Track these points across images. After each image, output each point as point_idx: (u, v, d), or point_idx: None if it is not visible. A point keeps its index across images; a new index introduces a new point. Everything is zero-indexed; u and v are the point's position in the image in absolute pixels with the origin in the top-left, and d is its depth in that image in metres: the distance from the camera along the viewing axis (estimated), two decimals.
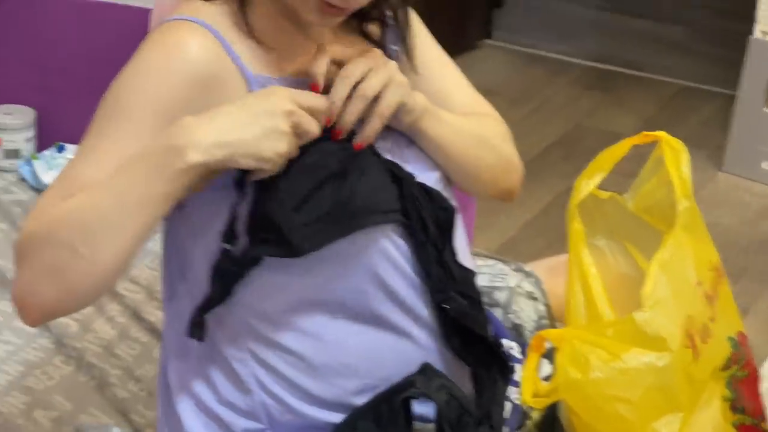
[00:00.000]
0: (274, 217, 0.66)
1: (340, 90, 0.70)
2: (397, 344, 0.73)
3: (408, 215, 0.72)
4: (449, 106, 0.84)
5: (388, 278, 0.71)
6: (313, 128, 0.67)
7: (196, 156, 0.63)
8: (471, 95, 0.90)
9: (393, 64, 0.75)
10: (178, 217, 0.74)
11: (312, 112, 0.68)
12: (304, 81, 0.75)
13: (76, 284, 0.66)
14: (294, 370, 0.72)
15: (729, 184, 2.18)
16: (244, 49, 0.76)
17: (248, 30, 0.75)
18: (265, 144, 0.64)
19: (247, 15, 0.76)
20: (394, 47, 0.83)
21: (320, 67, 0.71)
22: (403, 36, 0.84)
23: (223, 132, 0.64)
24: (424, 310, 0.74)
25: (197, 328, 0.69)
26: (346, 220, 0.68)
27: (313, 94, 0.71)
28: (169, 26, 0.74)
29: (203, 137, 0.64)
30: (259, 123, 0.65)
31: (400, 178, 0.72)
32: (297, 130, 0.66)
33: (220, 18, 0.75)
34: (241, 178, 0.68)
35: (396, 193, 0.72)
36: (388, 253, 0.72)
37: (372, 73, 0.72)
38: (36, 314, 0.69)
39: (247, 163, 0.65)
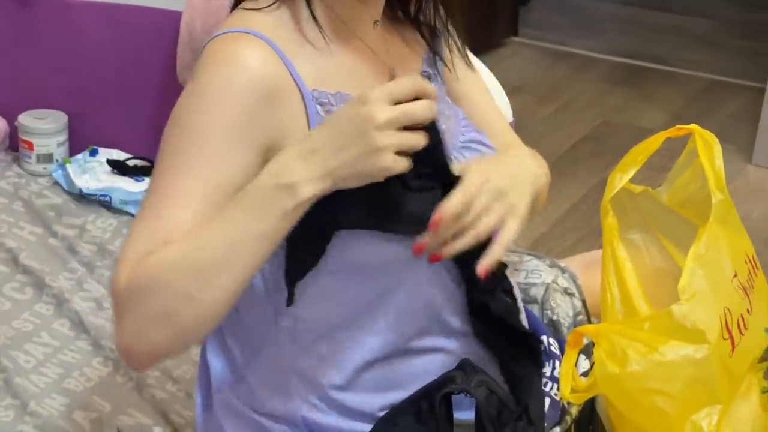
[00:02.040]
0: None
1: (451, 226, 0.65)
2: (430, 362, 0.74)
3: None
4: (491, 130, 0.85)
5: (435, 299, 0.72)
6: (414, 141, 0.63)
7: (307, 191, 0.62)
8: (504, 120, 0.92)
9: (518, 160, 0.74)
10: None
11: (415, 106, 0.63)
12: None
13: (190, 327, 0.65)
14: (331, 383, 0.73)
15: (759, 177, 2.18)
16: (300, 61, 0.74)
17: (303, 38, 0.74)
18: (367, 163, 0.62)
19: (307, 21, 0.74)
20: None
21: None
22: (454, 40, 0.84)
23: (326, 160, 0.62)
24: (458, 322, 0.75)
25: (291, 296, 0.69)
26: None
27: (405, 79, 0.65)
28: (226, 40, 0.72)
29: (310, 171, 0.63)
30: (354, 143, 0.62)
31: None
32: (399, 145, 0.62)
33: (274, 29, 0.74)
34: None
35: None
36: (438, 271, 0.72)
37: (491, 203, 0.66)
38: (146, 359, 0.69)
39: (355, 183, 0.63)
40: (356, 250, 0.69)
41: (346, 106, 0.66)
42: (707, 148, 0.89)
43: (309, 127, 0.72)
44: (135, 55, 1.46)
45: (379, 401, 0.74)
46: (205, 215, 0.67)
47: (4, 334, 1.19)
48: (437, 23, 0.84)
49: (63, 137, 1.52)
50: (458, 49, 0.86)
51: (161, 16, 1.45)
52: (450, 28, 0.84)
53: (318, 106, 0.72)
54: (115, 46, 1.48)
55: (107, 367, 1.18)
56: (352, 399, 0.74)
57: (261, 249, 0.64)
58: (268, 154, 0.69)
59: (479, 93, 0.90)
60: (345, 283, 0.71)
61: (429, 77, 0.84)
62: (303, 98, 0.72)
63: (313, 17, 0.73)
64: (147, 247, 0.65)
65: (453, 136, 0.80)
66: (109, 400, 1.12)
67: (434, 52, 0.84)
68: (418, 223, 0.65)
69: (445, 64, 0.85)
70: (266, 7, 0.73)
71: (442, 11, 0.82)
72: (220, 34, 0.72)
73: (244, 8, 0.74)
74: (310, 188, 0.62)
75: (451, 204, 0.64)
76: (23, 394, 1.09)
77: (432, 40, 0.85)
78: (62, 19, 1.50)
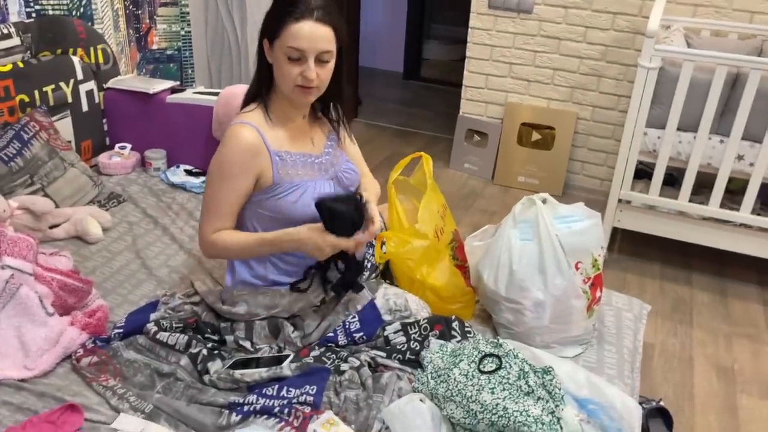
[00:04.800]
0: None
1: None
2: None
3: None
4: (362, 168, 1.75)
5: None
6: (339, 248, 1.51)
7: (292, 250, 1.58)
8: (364, 164, 1.82)
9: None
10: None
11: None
12: (302, 154, 1.58)
13: (234, 259, 1.61)
14: (280, 261, 1.69)
15: (451, 173, 3.55)
16: (268, 136, 1.55)
17: (271, 124, 1.57)
18: (319, 255, 1.52)
19: (269, 115, 1.57)
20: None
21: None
22: (343, 122, 1.69)
23: (304, 249, 1.52)
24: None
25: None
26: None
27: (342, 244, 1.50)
28: (234, 128, 1.54)
29: (296, 249, 1.54)
30: (317, 252, 1.50)
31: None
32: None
33: (257, 119, 1.56)
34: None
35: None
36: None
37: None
38: (211, 257, 1.61)
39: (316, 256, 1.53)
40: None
41: (316, 240, 1.50)
42: (427, 162, 1.94)
43: (272, 168, 1.56)
44: (194, 125, 2.58)
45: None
46: (232, 207, 1.55)
47: (144, 240, 2.10)
48: (335, 115, 1.71)
49: (164, 160, 2.58)
50: (345, 128, 1.73)
51: (205, 109, 2.54)
52: (341, 118, 1.70)
53: (277, 158, 1.58)
54: (186, 121, 2.59)
55: (191, 258, 2.04)
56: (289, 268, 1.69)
57: (268, 254, 1.59)
58: (257, 179, 1.55)
59: (356, 151, 1.80)
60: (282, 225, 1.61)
61: (333, 143, 1.70)
62: (270, 154, 1.58)
63: (268, 116, 1.59)
64: (212, 227, 1.54)
65: (339, 163, 1.70)
66: (188, 270, 1.97)
67: (335, 130, 1.71)
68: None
69: (338, 136, 1.71)
70: (251, 110, 1.59)
71: (339, 110, 1.70)
72: (233, 123, 1.57)
73: (244, 111, 1.60)
74: (295, 249, 1.56)
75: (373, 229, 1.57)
76: (150, 264, 1.98)
77: (333, 124, 1.71)
78: (161, 109, 2.61)
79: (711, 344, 2.43)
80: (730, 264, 2.95)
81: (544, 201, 1.76)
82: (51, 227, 2.09)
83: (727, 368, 2.32)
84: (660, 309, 2.60)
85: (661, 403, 2.05)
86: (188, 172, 2.54)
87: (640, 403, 2.00)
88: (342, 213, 1.51)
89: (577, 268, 1.70)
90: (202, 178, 2.49)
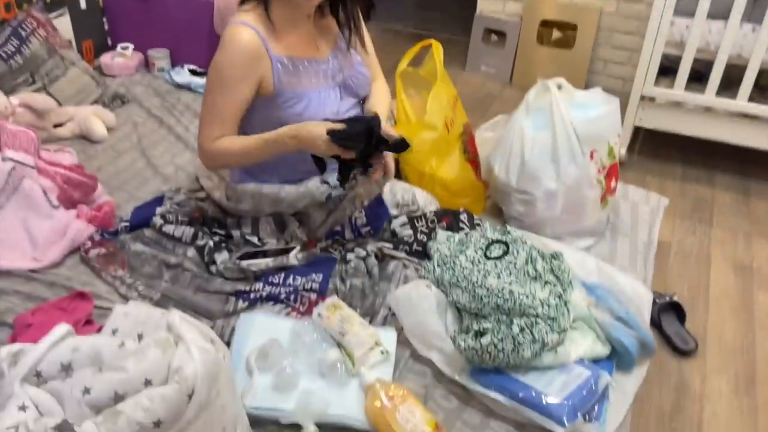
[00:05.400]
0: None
1: None
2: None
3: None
4: (374, 73, 1.60)
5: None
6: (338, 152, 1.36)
7: (295, 149, 1.37)
8: (377, 66, 1.66)
9: None
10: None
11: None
12: (305, 60, 1.43)
13: (234, 167, 1.53)
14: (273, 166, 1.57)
15: (467, 76, 3.40)
16: (269, 39, 1.39)
17: (272, 26, 1.41)
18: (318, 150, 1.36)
19: (270, 17, 1.40)
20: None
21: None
22: (356, 25, 1.51)
23: (302, 146, 1.36)
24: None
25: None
26: None
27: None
28: (232, 29, 1.36)
29: (298, 147, 1.37)
30: (315, 147, 1.36)
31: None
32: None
33: (256, 21, 1.40)
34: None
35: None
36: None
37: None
38: (211, 167, 1.52)
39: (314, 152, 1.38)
40: None
41: (316, 134, 1.34)
42: (437, 50, 1.86)
43: (273, 76, 1.42)
44: (197, 22, 2.47)
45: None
46: (233, 115, 1.39)
47: (149, 139, 2.09)
48: (344, 18, 1.52)
49: (167, 60, 2.50)
50: (359, 31, 1.54)
51: (207, 4, 2.43)
52: (353, 20, 1.51)
53: (278, 64, 1.44)
54: (189, 18, 2.48)
55: (197, 156, 1.87)
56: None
57: (270, 157, 1.43)
58: (257, 86, 1.42)
59: (369, 55, 1.63)
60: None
61: (341, 48, 1.53)
62: (271, 59, 1.43)
63: (269, 16, 1.41)
64: (212, 133, 1.41)
65: (348, 68, 1.54)
66: (194, 168, 1.87)
67: (344, 33, 1.52)
68: None
69: (349, 40, 1.53)
70: (250, 9, 1.42)
71: (349, 11, 1.51)
72: (231, 24, 1.40)
73: (242, 10, 1.43)
74: (296, 148, 1.38)
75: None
76: (155, 163, 1.98)
77: (342, 26, 1.53)
78: (162, 5, 2.50)
79: (730, 243, 2.38)
80: (755, 163, 2.84)
81: (559, 87, 1.67)
82: (55, 126, 2.06)
83: (745, 266, 2.27)
84: (679, 209, 2.53)
85: (675, 298, 2.03)
86: (193, 72, 2.47)
87: (653, 299, 1.99)
88: (352, 136, 1.38)
89: (591, 157, 1.63)
90: None
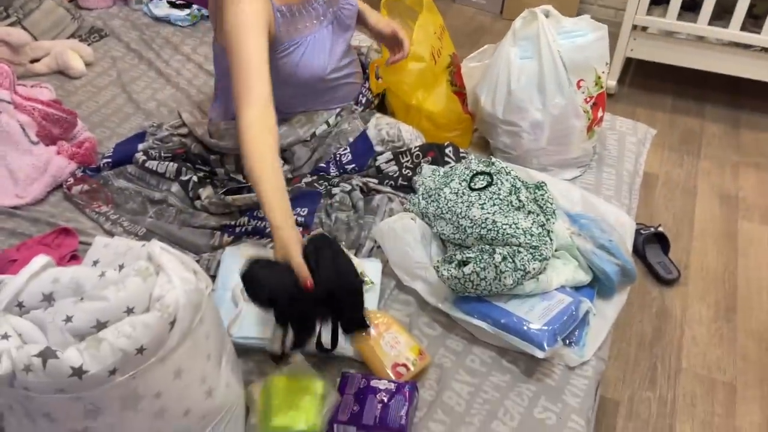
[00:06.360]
0: None
1: None
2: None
3: None
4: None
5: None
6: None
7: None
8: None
9: None
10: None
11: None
12: (299, 3, 1.38)
13: None
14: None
15: (456, 9, 3.28)
16: None
17: None
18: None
19: None
20: None
21: None
22: None
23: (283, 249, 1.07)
24: None
25: None
26: None
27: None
28: None
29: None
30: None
31: None
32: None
33: None
34: None
35: None
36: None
37: None
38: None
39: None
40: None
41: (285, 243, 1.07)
42: None
43: (275, 22, 1.38)
44: None
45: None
46: (262, 63, 1.24)
47: (129, 75, 2.03)
48: None
49: None
50: None
51: None
52: None
53: (278, 13, 1.40)
54: None
55: (179, 92, 1.95)
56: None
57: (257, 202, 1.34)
58: (268, 36, 1.34)
59: None
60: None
61: None
62: (273, 7, 1.38)
63: None
64: (249, 97, 1.20)
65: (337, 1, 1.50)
66: (176, 104, 1.88)
67: None
68: None
69: None
70: None
71: None
72: None
73: None
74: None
75: None
76: (137, 98, 1.92)
77: None
78: None
79: (717, 174, 2.39)
80: (747, 94, 2.82)
81: (546, 14, 1.63)
82: (32, 62, 2.01)
83: (730, 196, 2.29)
84: (668, 141, 2.53)
85: (660, 229, 2.05)
86: (171, 4, 2.39)
87: (638, 230, 2.01)
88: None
89: (578, 87, 1.61)
90: (187, 11, 2.34)
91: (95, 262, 0.93)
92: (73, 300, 0.84)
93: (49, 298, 0.85)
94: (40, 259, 0.88)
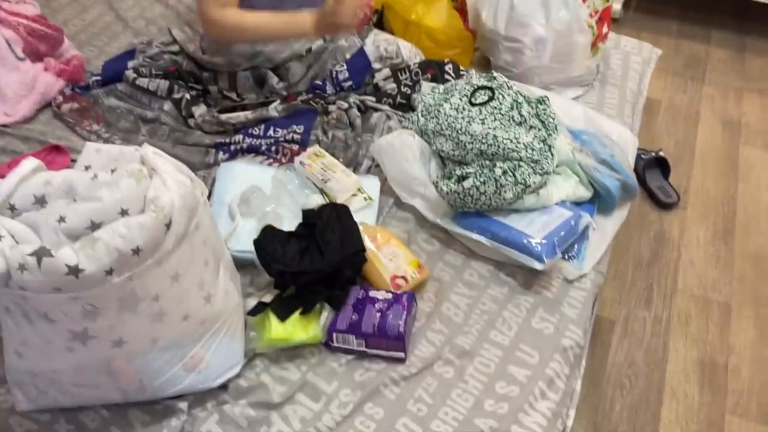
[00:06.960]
0: None
1: None
2: None
3: None
4: None
5: None
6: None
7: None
8: None
9: None
10: None
11: None
12: None
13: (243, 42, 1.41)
14: None
15: None
16: None
17: None
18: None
19: None
20: None
21: None
22: None
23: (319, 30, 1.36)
24: None
25: None
26: None
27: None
28: None
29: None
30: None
31: None
32: None
33: None
34: None
35: None
36: None
37: None
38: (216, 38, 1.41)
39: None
40: None
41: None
42: None
43: None
44: None
45: None
46: None
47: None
48: None
49: None
50: None
51: None
52: None
53: None
54: None
55: (168, 9, 1.86)
56: None
57: (282, 38, 1.40)
58: None
59: None
60: None
61: None
62: None
63: None
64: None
65: None
66: (166, 22, 1.80)
67: None
68: None
69: None
70: None
71: None
72: None
73: None
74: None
75: None
76: (124, 16, 1.82)
77: None
78: None
79: (720, 99, 2.35)
80: (754, 19, 2.74)
81: None
82: None
83: (733, 122, 2.26)
84: (672, 66, 2.48)
85: (661, 153, 2.03)
86: None
87: (639, 154, 1.98)
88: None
89: (584, 0, 1.55)
90: None
91: (87, 167, 0.91)
92: (66, 201, 0.82)
93: (41, 201, 0.84)
94: (29, 162, 0.86)
